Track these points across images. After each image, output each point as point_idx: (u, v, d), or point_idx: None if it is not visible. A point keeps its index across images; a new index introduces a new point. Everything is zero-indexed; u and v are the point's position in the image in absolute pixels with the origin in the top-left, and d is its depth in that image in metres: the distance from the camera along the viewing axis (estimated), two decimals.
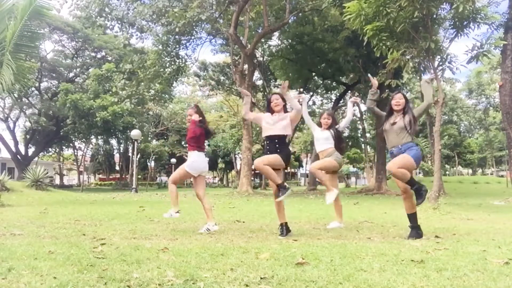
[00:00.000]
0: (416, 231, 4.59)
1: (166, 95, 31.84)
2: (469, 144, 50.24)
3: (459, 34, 11.19)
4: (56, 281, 2.38)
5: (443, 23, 12.17)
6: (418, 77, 18.85)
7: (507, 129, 13.13)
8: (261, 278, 2.53)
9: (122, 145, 43.42)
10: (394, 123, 4.51)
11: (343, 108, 34.31)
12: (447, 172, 53.32)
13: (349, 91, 28.09)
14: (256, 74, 28.24)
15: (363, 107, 32.90)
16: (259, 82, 31.67)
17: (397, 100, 4.56)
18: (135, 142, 24.14)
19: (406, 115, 4.51)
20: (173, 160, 41.57)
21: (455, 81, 42.36)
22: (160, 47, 19.75)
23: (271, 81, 31.41)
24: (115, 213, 7.41)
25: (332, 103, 31.01)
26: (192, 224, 5.79)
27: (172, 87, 31.01)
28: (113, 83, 25.05)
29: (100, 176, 58.32)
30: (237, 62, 22.03)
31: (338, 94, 29.66)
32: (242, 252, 3.39)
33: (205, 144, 5.41)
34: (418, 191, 4.44)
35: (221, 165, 54.96)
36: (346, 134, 39.67)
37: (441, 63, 11.65)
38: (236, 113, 39.31)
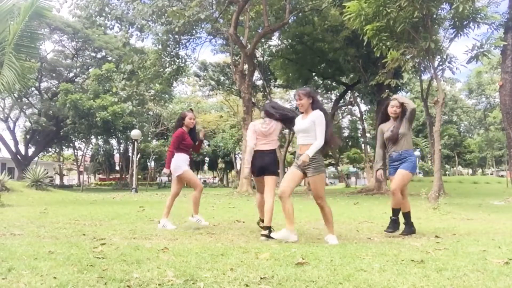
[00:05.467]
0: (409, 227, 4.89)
1: (166, 95, 31.87)
2: (469, 144, 50.28)
3: (459, 34, 11.20)
4: (56, 281, 2.38)
5: (443, 23, 12.18)
6: (418, 77, 18.83)
7: (507, 129, 13.12)
8: (261, 278, 2.53)
9: (122, 145, 43.39)
10: (393, 131, 4.75)
11: (343, 108, 34.35)
12: (447, 172, 53.33)
13: (349, 91, 28.09)
14: (256, 74, 28.23)
15: (363, 107, 32.94)
16: (259, 82, 31.68)
17: (395, 109, 4.75)
18: (135, 142, 24.14)
19: (404, 123, 4.74)
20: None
21: (455, 81, 42.49)
22: (160, 46, 19.75)
23: (271, 81, 31.41)
24: (115, 213, 7.41)
25: (332, 103, 31.01)
26: (192, 224, 5.79)
27: (172, 87, 31.02)
28: (113, 83, 25.06)
29: (100, 176, 58.30)
30: (237, 62, 22.02)
31: (338, 94, 29.67)
32: (242, 252, 3.39)
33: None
34: (394, 222, 4.79)
35: (221, 165, 54.92)
36: (346, 134, 39.73)
37: (441, 63, 11.66)
38: (236, 113, 39.31)
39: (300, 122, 4.28)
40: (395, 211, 4.81)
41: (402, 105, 4.72)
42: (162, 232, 4.91)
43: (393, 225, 4.78)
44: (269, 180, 4.60)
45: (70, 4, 17.98)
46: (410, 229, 4.81)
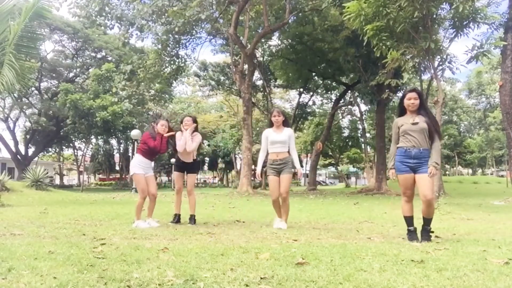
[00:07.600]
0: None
1: (166, 95, 31.85)
2: (469, 144, 50.33)
3: (459, 34, 11.21)
4: (56, 281, 2.38)
5: (443, 23, 12.18)
6: (418, 77, 18.83)
7: (507, 129, 13.12)
8: (261, 278, 2.53)
9: (122, 145, 43.41)
10: (415, 123, 4.19)
11: (343, 108, 34.35)
12: (447, 172, 53.33)
13: (349, 91, 28.10)
14: (256, 74, 28.25)
15: (363, 107, 32.93)
16: (259, 82, 31.68)
17: (412, 101, 4.22)
18: (135, 142, 24.15)
19: (426, 118, 4.22)
20: (173, 160, 41.54)
21: (455, 81, 42.48)
22: (160, 46, 19.75)
23: (271, 81, 31.40)
24: (115, 213, 7.41)
25: (332, 103, 31.01)
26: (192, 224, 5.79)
27: (172, 87, 31.02)
28: (113, 83, 25.07)
29: (100, 176, 58.36)
30: (237, 62, 22.03)
31: (338, 94, 29.66)
32: (242, 252, 3.39)
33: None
34: (426, 232, 4.32)
35: (221, 165, 54.94)
36: (346, 134, 39.74)
37: (441, 63, 11.67)
38: (236, 113, 39.30)
39: (275, 135, 5.35)
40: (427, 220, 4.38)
41: (419, 96, 4.28)
42: (162, 232, 4.91)
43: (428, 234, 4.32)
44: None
45: (69, 3, 17.91)
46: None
